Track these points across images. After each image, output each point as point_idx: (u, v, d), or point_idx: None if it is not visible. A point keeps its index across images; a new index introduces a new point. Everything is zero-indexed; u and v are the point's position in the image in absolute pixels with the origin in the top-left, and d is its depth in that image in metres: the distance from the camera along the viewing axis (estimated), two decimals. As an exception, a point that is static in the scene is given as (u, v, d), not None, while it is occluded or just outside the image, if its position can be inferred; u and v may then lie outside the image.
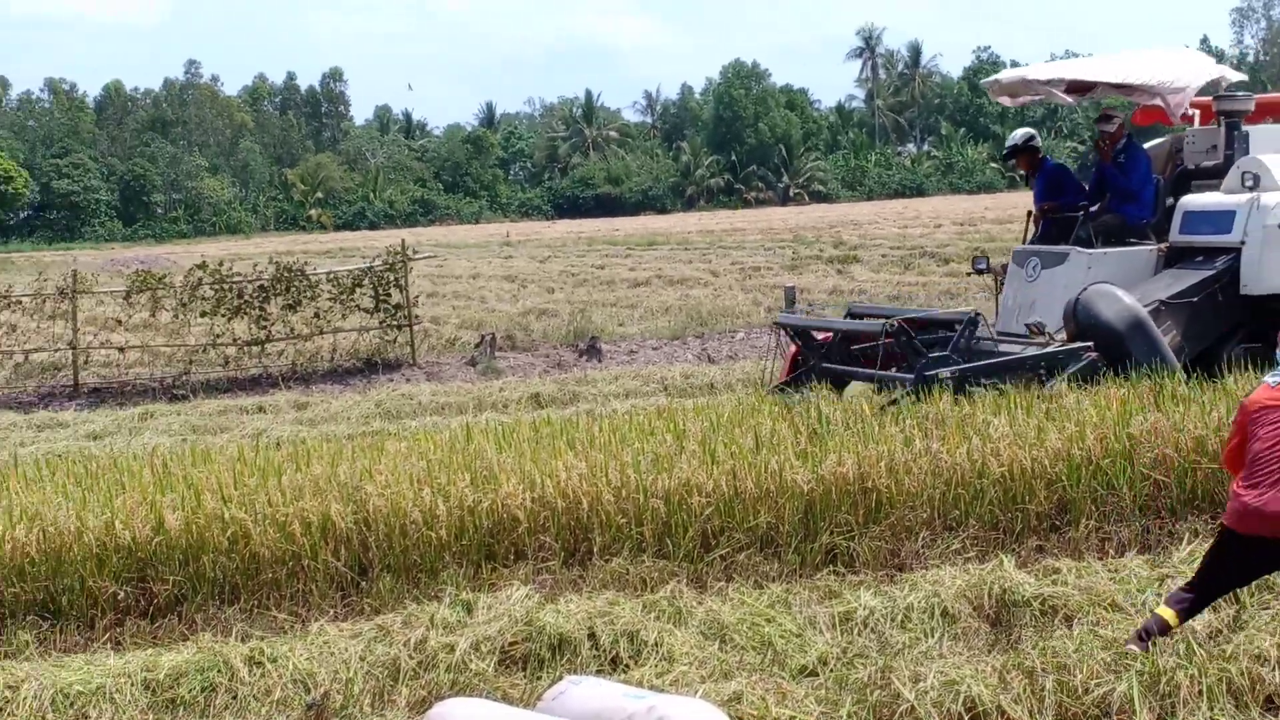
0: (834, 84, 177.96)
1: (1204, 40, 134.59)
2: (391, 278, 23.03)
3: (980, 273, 15.55)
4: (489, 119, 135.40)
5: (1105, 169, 14.57)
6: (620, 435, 10.66)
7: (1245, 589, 7.59)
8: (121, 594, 8.41)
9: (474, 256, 49.13)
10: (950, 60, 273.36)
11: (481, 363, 21.76)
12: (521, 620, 7.41)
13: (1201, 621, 7.07)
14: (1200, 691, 6.22)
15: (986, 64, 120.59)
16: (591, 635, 7.31)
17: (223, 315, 22.28)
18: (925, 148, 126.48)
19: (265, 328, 22.30)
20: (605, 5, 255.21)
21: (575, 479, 9.30)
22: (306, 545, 8.68)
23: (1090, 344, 12.06)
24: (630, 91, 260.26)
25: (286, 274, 22.57)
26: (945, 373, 11.73)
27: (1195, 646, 6.55)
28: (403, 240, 25.79)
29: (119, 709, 6.78)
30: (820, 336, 13.88)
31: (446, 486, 9.23)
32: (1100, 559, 8.55)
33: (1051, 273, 13.80)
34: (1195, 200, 13.78)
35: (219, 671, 7.06)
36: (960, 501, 9.24)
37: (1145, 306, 12.49)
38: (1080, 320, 12.33)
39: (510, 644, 7.28)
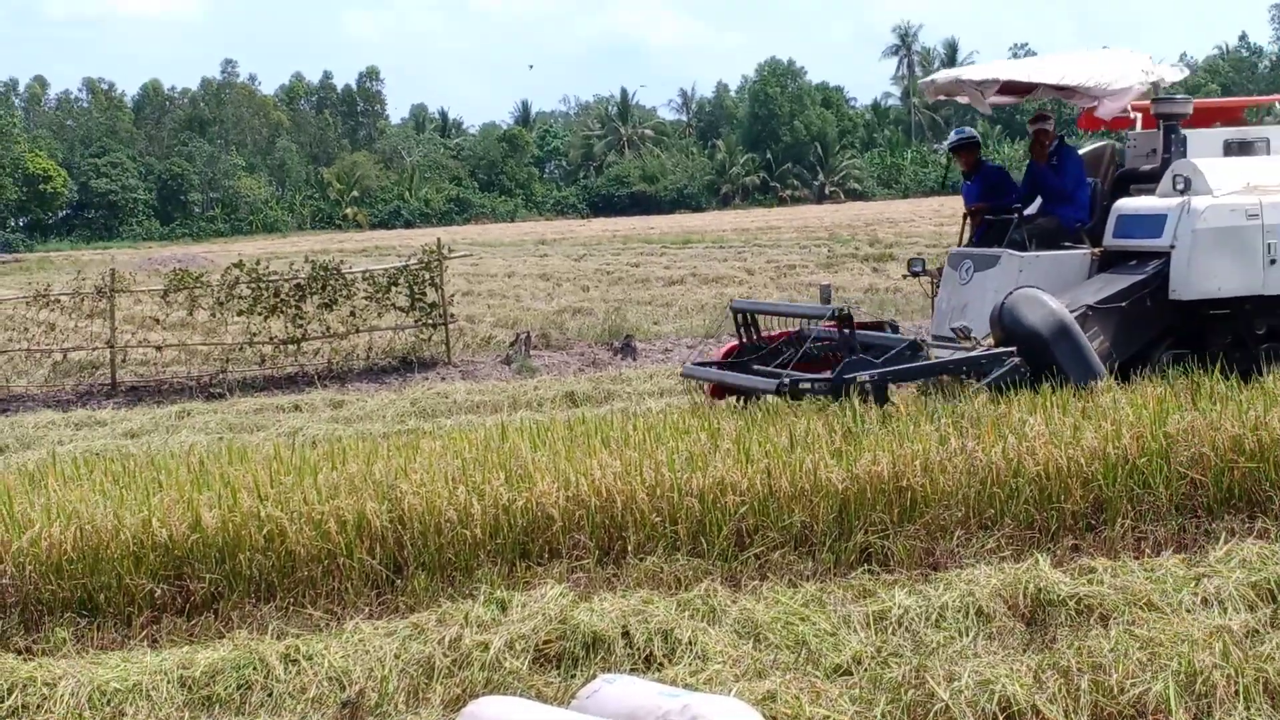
0: (870, 82, 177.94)
1: (1242, 36, 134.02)
2: (427, 276, 23.09)
3: (916, 275, 15.31)
4: (524, 117, 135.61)
5: (1038, 171, 14.41)
6: (655, 434, 10.67)
7: (1283, 588, 7.58)
8: (158, 592, 8.44)
9: (509, 255, 49.21)
10: (987, 57, 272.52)
11: (516, 361, 21.79)
12: (556, 619, 7.41)
13: (1238, 621, 7.03)
14: (1237, 692, 6.19)
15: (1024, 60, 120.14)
16: (626, 634, 7.30)
17: (259, 314, 22.37)
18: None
19: (301, 326, 22.38)
20: (641, 3, 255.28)
21: (610, 477, 9.30)
22: (342, 543, 8.69)
23: (1013, 349, 11.96)
24: (665, 89, 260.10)
25: (322, 273, 22.65)
26: (864, 376, 11.62)
27: (1232, 646, 6.52)
28: (438, 239, 25.84)
29: (155, 706, 6.81)
30: (773, 334, 13.74)
31: (481, 485, 9.24)
32: (1136, 558, 8.51)
33: (983, 276, 13.66)
34: (1128, 204, 13.68)
35: (254, 669, 7.07)
36: (995, 500, 9.21)
37: (1073, 312, 12.35)
38: (1005, 325, 12.18)
39: (544, 642, 7.27)
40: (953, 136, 15.26)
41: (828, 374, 11.96)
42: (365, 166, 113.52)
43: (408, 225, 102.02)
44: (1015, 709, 6.13)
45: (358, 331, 22.79)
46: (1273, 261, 12.76)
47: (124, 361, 22.31)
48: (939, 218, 59.90)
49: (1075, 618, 7.49)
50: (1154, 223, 13.13)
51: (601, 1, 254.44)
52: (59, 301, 22.96)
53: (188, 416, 17.78)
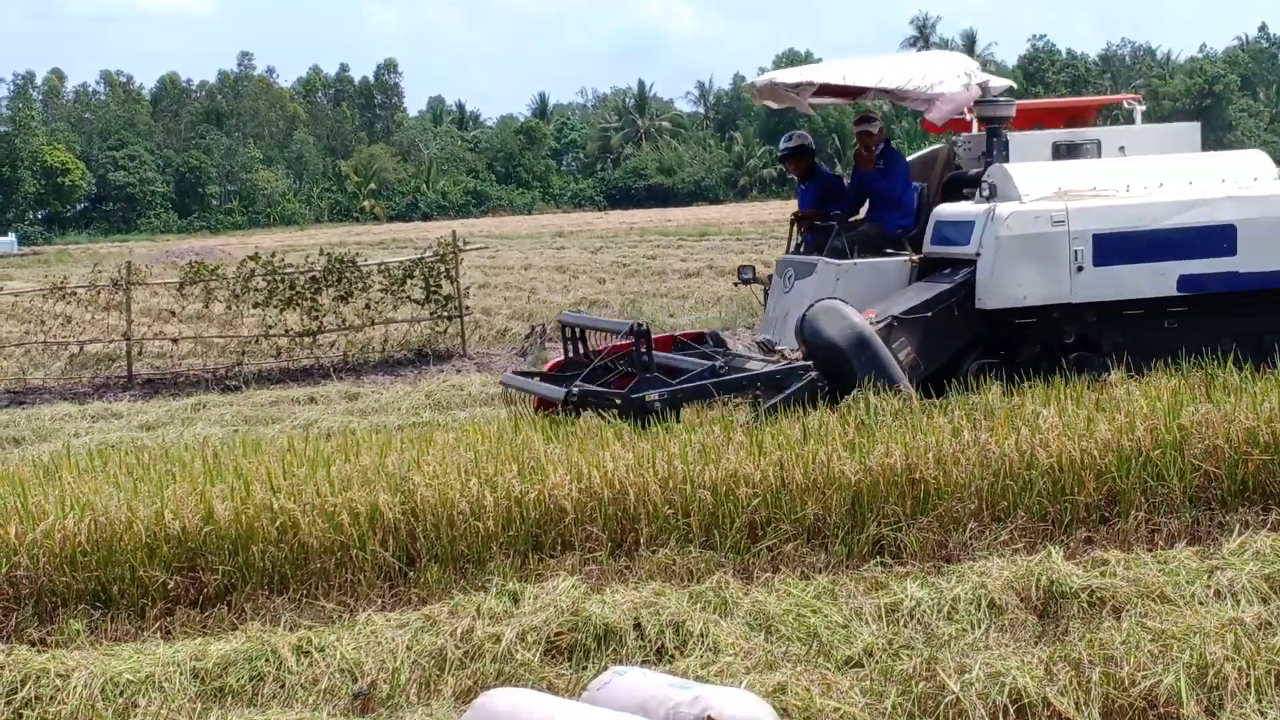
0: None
1: (1262, 28, 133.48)
2: (442, 269, 23.10)
3: (746, 282, 14.92)
4: (542, 110, 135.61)
5: (863, 175, 14.12)
6: (668, 426, 10.68)
7: (1297, 581, 7.56)
8: (171, 583, 8.46)
9: (526, 247, 49.24)
10: (1005, 49, 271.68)
11: (531, 354, 21.79)
12: (568, 610, 7.41)
13: (1251, 613, 7.01)
14: (1248, 684, 6.18)
15: (1042, 52, 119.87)
16: (637, 625, 7.30)
17: (275, 306, 22.40)
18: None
19: (317, 319, 22.40)
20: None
21: (622, 469, 9.32)
22: (355, 535, 8.71)
23: (809, 363, 11.79)
24: (683, 82, 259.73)
25: (338, 265, 22.67)
26: (654, 394, 11.45)
27: (1244, 638, 6.50)
28: (453, 231, 25.86)
29: (167, 698, 6.83)
30: (604, 346, 13.35)
31: (494, 477, 9.26)
32: (1149, 550, 8.48)
33: (803, 284, 13.39)
34: (944, 210, 13.36)
35: (267, 660, 7.09)
36: (1008, 493, 9.20)
37: (880, 322, 12.18)
38: (806, 338, 12.02)
39: (556, 634, 7.28)
40: (782, 144, 14.90)
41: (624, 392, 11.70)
42: (383, 159, 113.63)
43: (425, 218, 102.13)
44: (1026, 701, 6.12)
45: (373, 324, 22.81)
46: (1080, 269, 12.45)
47: (140, 354, 22.35)
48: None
49: (1087, 610, 7.47)
50: (963, 229, 12.85)
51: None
52: (75, 294, 23.00)
53: (203, 409, 17.81)
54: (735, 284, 15.95)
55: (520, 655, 7.11)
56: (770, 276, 14.46)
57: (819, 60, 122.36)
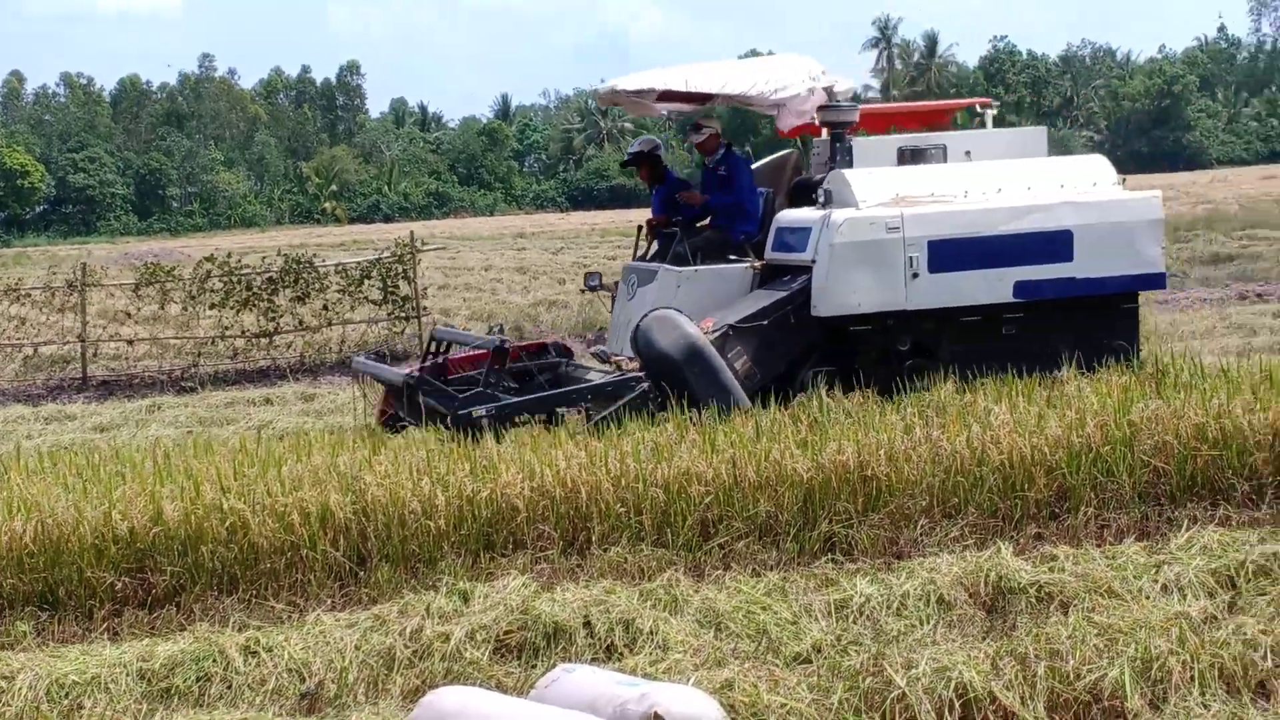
0: (850, 74, 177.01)
1: (1221, 28, 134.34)
2: (400, 269, 23.05)
3: (593, 290, 14.78)
4: (504, 111, 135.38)
5: (708, 181, 13.93)
6: (621, 424, 10.68)
7: (1241, 574, 7.61)
8: (120, 585, 8.42)
9: (487, 249, 49.12)
10: (967, 50, 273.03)
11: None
12: (517, 609, 7.40)
13: (1197, 607, 7.05)
14: (1192, 677, 6.20)
15: (1003, 53, 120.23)
16: (587, 624, 7.29)
17: (231, 308, 22.32)
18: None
19: (274, 320, 22.33)
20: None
21: (575, 468, 9.33)
22: (305, 535, 8.68)
23: (641, 374, 11.71)
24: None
25: (295, 266, 22.61)
26: (482, 410, 11.35)
27: (1189, 632, 6.53)
28: (411, 232, 25.80)
29: (113, 699, 6.78)
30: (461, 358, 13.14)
31: (446, 476, 9.27)
32: (1098, 546, 8.52)
33: (644, 291, 13.19)
34: (785, 216, 13.19)
35: (214, 661, 7.05)
36: (960, 489, 9.24)
37: (716, 331, 12.07)
38: (639, 348, 11.93)
39: (506, 633, 7.26)
40: (639, 145, 14.66)
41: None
42: (344, 161, 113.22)
43: (387, 220, 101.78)
44: (972, 696, 6.12)
45: (330, 325, 22.74)
46: (915, 275, 12.36)
47: (95, 356, 22.23)
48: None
49: (1036, 605, 7.50)
50: (801, 236, 12.70)
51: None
52: (30, 296, 22.86)
53: (158, 410, 17.72)
54: (582, 290, 15.76)
55: (469, 654, 7.10)
56: (617, 284, 14.25)
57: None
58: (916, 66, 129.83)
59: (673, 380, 11.59)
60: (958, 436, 9.54)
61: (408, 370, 12.19)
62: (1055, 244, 12.57)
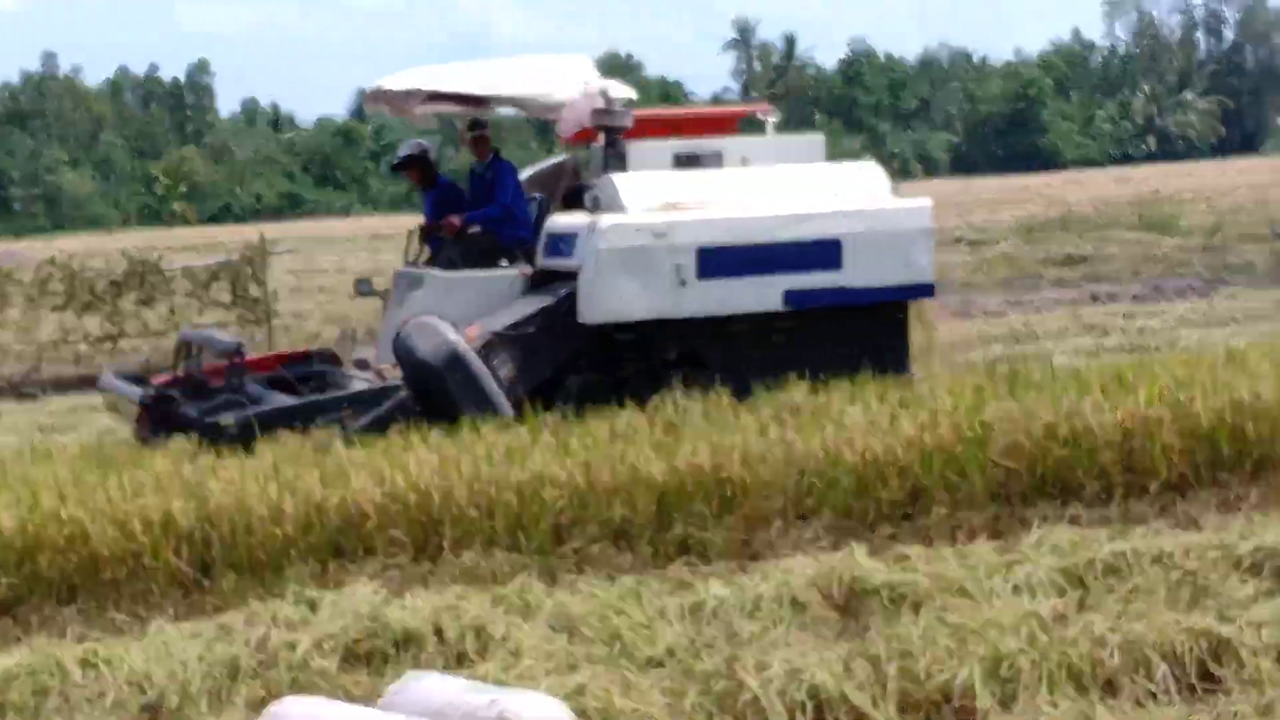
0: (710, 76, 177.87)
1: (1075, 32, 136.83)
2: (249, 272, 22.70)
3: (365, 295, 14.49)
4: (360, 111, 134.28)
5: (478, 185, 13.75)
6: (473, 427, 10.60)
7: (1091, 573, 7.69)
8: (-49, 598, 8.17)
9: (342, 251, 48.63)
10: (825, 52, 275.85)
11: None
12: (367, 616, 7.29)
13: (1047, 606, 7.10)
14: (1041, 676, 6.24)
15: (861, 55, 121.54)
16: (438, 630, 7.21)
17: (74, 311, 21.83)
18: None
19: (117, 324, 21.88)
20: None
21: (427, 473, 9.23)
22: (147, 544, 8.49)
23: (399, 383, 11.61)
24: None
25: (140, 268, 22.17)
26: (230, 418, 11.13)
27: (1039, 631, 6.58)
28: (261, 234, 25.43)
29: (-58, 716, 6.56)
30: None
31: (294, 482, 9.11)
32: (951, 546, 8.56)
33: (412, 297, 12.81)
34: (555, 222, 12.98)
35: (51, 674, 6.84)
36: (814, 491, 9.26)
37: (480, 338, 11.84)
38: (400, 356, 11.76)
39: (354, 641, 7.15)
40: (407, 148, 14.39)
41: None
42: (194, 161, 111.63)
43: (239, 221, 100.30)
44: (824, 697, 6.12)
45: (178, 329, 22.29)
46: (683, 283, 12.16)
47: (-70, 362, 21.61)
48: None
49: (888, 606, 7.51)
50: (569, 242, 12.49)
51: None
52: None
53: (-3, 417, 17.28)
54: (352, 297, 15.53)
55: (317, 663, 6.96)
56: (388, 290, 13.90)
57: (640, 63, 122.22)
58: (776, 68, 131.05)
59: (433, 388, 11.40)
60: (812, 438, 9.57)
61: (158, 380, 11.74)
62: (825, 252, 12.45)
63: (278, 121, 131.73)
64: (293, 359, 13.07)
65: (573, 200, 13.34)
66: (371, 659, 7.07)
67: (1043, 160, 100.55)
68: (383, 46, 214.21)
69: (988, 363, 12.04)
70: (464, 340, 11.68)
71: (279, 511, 8.76)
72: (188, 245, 58.26)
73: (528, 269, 12.86)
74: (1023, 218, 38.45)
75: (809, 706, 6.08)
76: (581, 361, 12.37)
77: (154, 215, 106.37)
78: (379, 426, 11.02)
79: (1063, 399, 9.89)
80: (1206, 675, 6.39)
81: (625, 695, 6.20)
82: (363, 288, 14.32)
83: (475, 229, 13.29)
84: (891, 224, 12.75)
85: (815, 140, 14.28)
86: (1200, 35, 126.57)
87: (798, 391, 11.24)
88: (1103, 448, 9.41)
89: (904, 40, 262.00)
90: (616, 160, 12.90)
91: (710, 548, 8.88)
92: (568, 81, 13.12)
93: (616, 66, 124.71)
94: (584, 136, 13.66)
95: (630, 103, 13.72)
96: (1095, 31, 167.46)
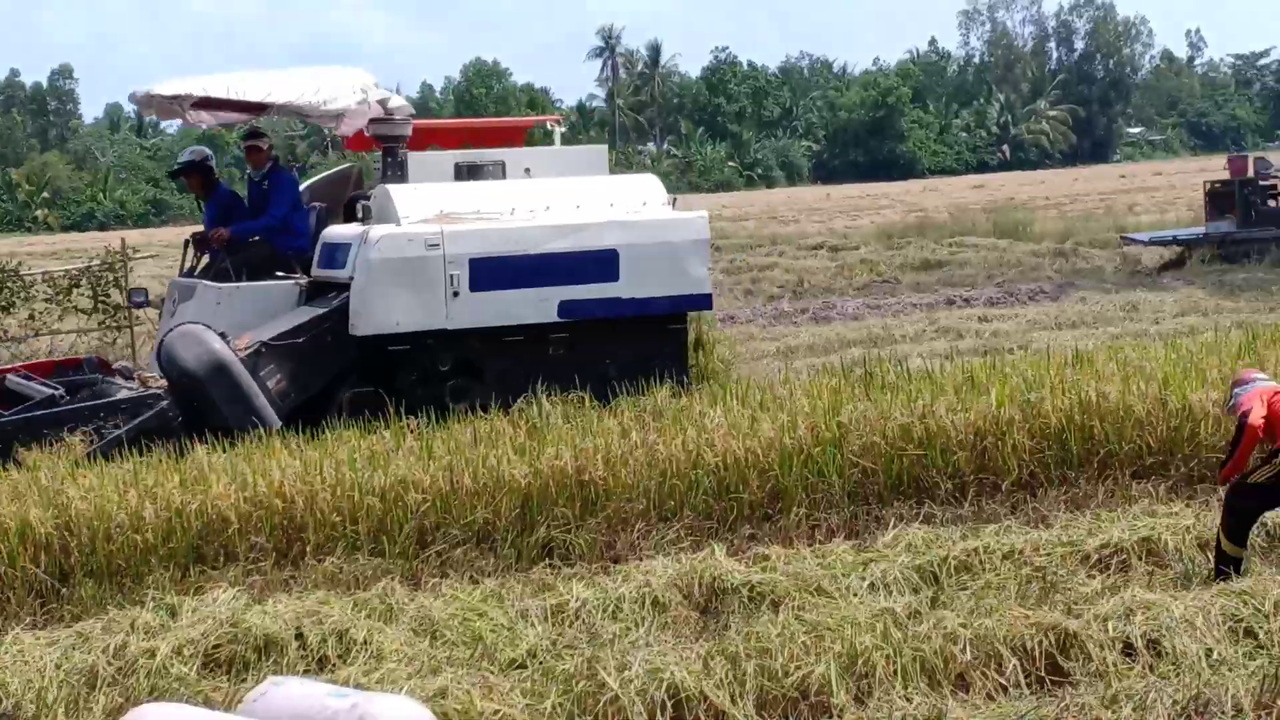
0: (575, 83, 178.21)
1: (932, 42, 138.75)
2: (111, 278, 22.36)
3: (139, 307, 14.26)
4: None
5: (256, 195, 13.54)
6: (337, 432, 10.57)
7: (944, 570, 7.87)
8: None
9: (206, 256, 48.01)
10: (689, 60, 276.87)
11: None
12: (227, 622, 7.27)
13: (901, 603, 7.25)
14: (895, 671, 6.38)
15: (724, 63, 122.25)
16: (299, 635, 7.20)
17: (-70, 318, 21.36)
18: (665, 146, 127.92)
19: (-24, 330, 21.44)
20: (349, 2, 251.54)
21: (290, 477, 9.19)
22: (4, 552, 8.40)
23: (160, 392, 11.43)
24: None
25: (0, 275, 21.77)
26: None
27: (893, 627, 6.72)
28: (123, 239, 25.10)
29: None
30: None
31: (154, 488, 9.04)
32: (809, 545, 8.72)
33: (184, 308, 12.62)
34: (331, 232, 12.82)
35: (-96, 685, 6.75)
36: (675, 492, 9.34)
37: (248, 349, 11.66)
38: (164, 366, 11.54)
39: (215, 647, 7.12)
40: (187, 155, 14.27)
41: None
42: (56, 167, 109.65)
43: (102, 227, 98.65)
44: (684, 696, 6.20)
45: (38, 335, 21.93)
46: (456, 294, 12.04)
47: None
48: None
49: (748, 605, 7.64)
50: (341, 253, 12.34)
51: (310, 2, 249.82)
52: None
53: None
54: (127, 308, 15.23)
55: (176, 669, 6.94)
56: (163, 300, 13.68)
57: (507, 70, 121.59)
58: (640, 76, 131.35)
59: (197, 399, 11.24)
60: (674, 440, 9.65)
61: None
62: (601, 263, 12.40)
63: (141, 128, 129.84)
64: (64, 366, 12.69)
65: (353, 210, 13.09)
66: (232, 665, 7.05)
67: (902, 168, 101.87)
68: (249, 52, 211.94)
69: (846, 366, 12.11)
70: (230, 350, 11.44)
71: (139, 519, 8.68)
72: (50, 252, 57.33)
73: (303, 280, 12.64)
74: (882, 224, 39.01)
75: (668, 705, 6.17)
76: (354, 373, 12.16)
77: (15, 222, 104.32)
78: (138, 436, 10.70)
79: (917, 400, 10.05)
80: (1055, 669, 6.57)
81: (487, 697, 6.25)
82: (136, 298, 14.09)
83: (250, 239, 13.08)
84: (668, 235, 12.65)
85: (598, 151, 14.26)
86: (1052, 45, 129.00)
87: (660, 394, 11.34)
88: (956, 448, 9.59)
89: (767, 49, 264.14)
90: (396, 170, 12.79)
91: (573, 550, 8.94)
92: (345, 90, 12.90)
93: (483, 73, 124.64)
94: (366, 145, 13.58)
95: (412, 113, 13.48)
96: (952, 41, 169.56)
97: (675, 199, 13.20)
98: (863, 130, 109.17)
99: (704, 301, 12.93)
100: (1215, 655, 6.53)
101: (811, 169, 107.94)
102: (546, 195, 12.60)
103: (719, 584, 7.83)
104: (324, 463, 9.42)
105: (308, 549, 8.83)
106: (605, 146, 14.68)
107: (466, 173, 13.04)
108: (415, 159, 13.00)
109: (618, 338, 12.50)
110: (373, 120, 12.95)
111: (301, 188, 13.72)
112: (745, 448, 9.52)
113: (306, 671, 6.93)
